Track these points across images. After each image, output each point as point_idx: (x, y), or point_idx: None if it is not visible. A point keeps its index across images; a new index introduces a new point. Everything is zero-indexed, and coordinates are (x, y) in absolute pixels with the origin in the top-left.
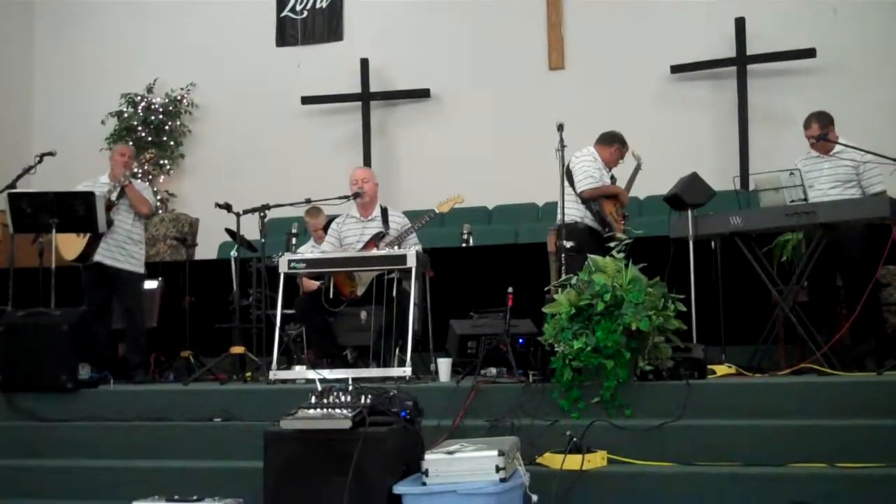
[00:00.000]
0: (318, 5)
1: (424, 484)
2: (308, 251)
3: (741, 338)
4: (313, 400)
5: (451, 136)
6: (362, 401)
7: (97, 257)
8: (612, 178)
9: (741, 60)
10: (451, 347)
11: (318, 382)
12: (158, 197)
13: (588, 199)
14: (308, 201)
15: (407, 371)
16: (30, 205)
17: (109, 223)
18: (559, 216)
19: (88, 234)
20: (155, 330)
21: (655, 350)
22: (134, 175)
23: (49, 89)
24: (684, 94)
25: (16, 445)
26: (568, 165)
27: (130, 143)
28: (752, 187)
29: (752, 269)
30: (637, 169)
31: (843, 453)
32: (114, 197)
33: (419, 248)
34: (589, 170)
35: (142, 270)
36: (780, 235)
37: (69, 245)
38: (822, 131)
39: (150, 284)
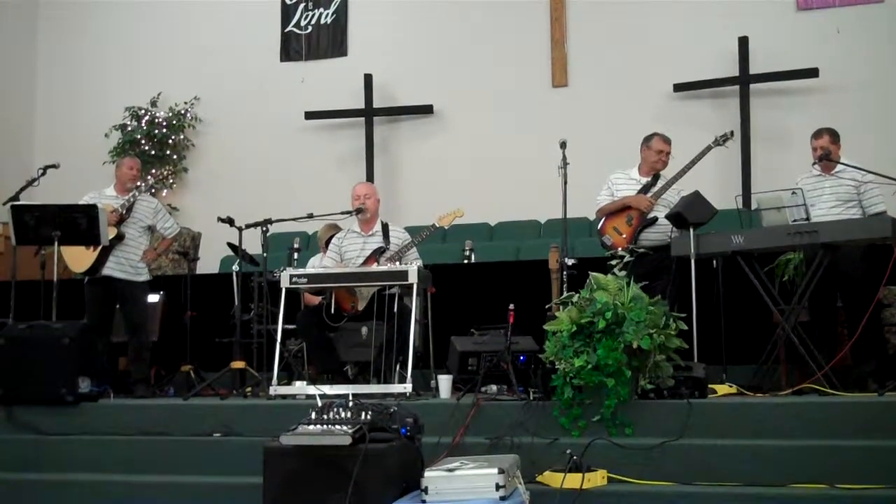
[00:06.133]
0: (322, 21)
1: (424, 501)
2: (316, 262)
3: (742, 357)
4: (313, 416)
5: (454, 153)
6: (362, 417)
7: (106, 271)
8: (652, 179)
9: (744, 79)
10: (451, 364)
11: (318, 398)
12: None
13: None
14: (310, 216)
15: (407, 387)
16: (32, 217)
17: (121, 237)
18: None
19: (99, 248)
20: (156, 344)
21: (656, 368)
22: (138, 188)
23: (52, 102)
24: (687, 113)
25: (15, 459)
26: None
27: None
28: (754, 206)
29: (753, 289)
30: (709, 146)
31: (844, 474)
32: (124, 211)
33: (420, 263)
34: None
35: (148, 282)
36: (782, 255)
37: (78, 258)
38: (830, 146)
39: (152, 298)
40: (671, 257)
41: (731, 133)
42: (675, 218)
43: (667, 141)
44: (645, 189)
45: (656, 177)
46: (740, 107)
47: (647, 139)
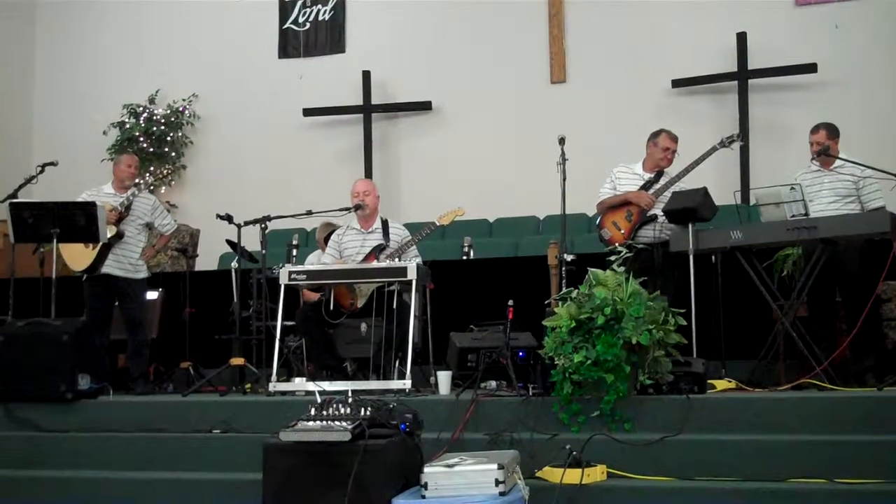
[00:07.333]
0: (320, 18)
1: (424, 497)
2: (314, 260)
3: (741, 352)
4: (313, 412)
5: (453, 149)
6: (362, 413)
7: (106, 269)
8: (655, 176)
9: (742, 75)
10: (451, 360)
11: (317, 394)
12: None
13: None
14: (309, 213)
15: (407, 384)
16: (31, 215)
17: (121, 235)
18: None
19: (99, 246)
20: (155, 341)
21: (655, 364)
22: (137, 185)
23: (50, 99)
24: (685, 109)
25: (15, 456)
26: None
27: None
28: (752, 202)
29: (752, 284)
30: (715, 147)
31: (843, 469)
32: (123, 209)
33: (419, 260)
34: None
35: (147, 279)
36: (781, 250)
37: (78, 256)
38: (827, 141)
39: (151, 295)
40: (669, 253)
41: (738, 135)
42: (683, 213)
43: (674, 139)
44: (647, 185)
45: (660, 173)
46: (739, 102)
47: (655, 135)
